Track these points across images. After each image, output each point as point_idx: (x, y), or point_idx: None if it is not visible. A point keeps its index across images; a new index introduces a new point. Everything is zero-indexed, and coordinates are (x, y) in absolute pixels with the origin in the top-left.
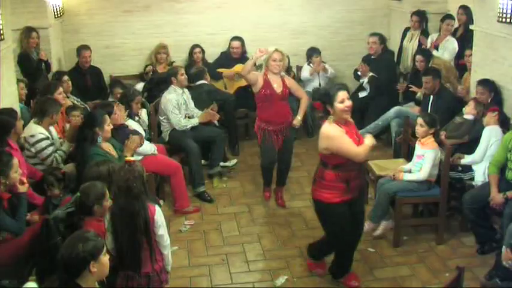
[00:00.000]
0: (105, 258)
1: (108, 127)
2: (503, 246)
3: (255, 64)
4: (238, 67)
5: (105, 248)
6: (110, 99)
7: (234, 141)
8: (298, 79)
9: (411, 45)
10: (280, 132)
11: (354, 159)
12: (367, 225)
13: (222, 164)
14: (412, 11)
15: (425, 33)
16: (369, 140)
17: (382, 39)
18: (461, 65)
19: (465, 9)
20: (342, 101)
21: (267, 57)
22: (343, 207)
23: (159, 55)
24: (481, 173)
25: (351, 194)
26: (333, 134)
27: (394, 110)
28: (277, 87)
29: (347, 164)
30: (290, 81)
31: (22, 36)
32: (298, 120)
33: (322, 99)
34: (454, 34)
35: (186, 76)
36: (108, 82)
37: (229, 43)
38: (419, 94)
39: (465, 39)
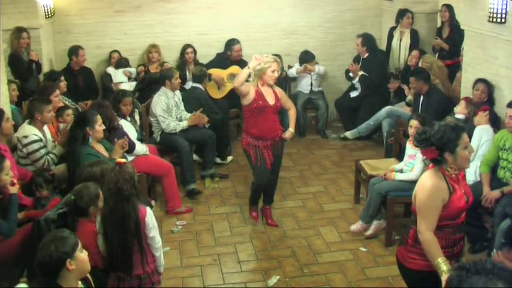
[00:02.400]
0: (82, 255)
1: (99, 127)
2: (494, 250)
3: (249, 75)
4: (233, 69)
5: (80, 245)
6: (110, 69)
7: (226, 142)
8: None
9: (404, 43)
10: (271, 148)
11: (418, 230)
12: (358, 225)
13: (219, 161)
14: (403, 9)
15: (414, 32)
16: (444, 268)
17: (365, 41)
18: (447, 65)
19: (448, 7)
20: (467, 145)
21: (264, 67)
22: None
23: (150, 54)
24: (472, 172)
25: (454, 260)
26: (432, 188)
27: (385, 110)
28: (270, 99)
29: (451, 226)
30: (280, 92)
31: (12, 37)
32: (290, 132)
33: (439, 145)
34: (439, 34)
35: (180, 80)
36: (100, 82)
37: (231, 47)
38: (409, 97)
39: (452, 39)
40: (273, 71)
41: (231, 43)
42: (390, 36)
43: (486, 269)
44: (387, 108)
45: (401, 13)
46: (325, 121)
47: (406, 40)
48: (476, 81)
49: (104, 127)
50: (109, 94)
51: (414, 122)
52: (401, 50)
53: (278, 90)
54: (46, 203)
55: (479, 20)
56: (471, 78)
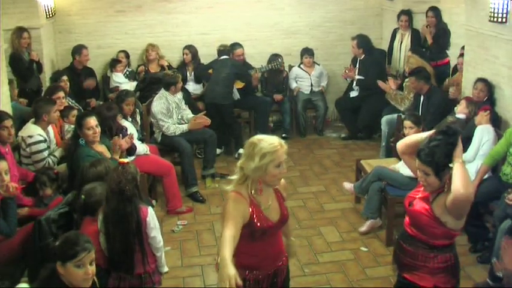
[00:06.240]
0: (92, 268)
1: (87, 131)
2: (494, 258)
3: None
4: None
5: (94, 256)
6: (118, 69)
7: (227, 139)
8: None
9: (404, 45)
10: (272, 279)
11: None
12: (350, 185)
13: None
14: (400, 11)
15: (416, 33)
16: None
17: (361, 42)
18: (434, 67)
19: (434, 11)
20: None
21: (264, 163)
22: None
23: (148, 53)
24: (473, 172)
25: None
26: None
27: (385, 121)
28: (272, 210)
29: None
30: (285, 188)
31: (13, 37)
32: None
33: None
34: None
35: (182, 83)
36: (101, 82)
37: (232, 51)
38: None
39: (438, 42)
40: (279, 165)
41: (232, 48)
42: (393, 37)
43: None
44: (385, 118)
45: (398, 15)
46: (323, 121)
47: (406, 42)
48: (476, 81)
49: (99, 129)
50: (106, 94)
51: (408, 123)
52: (401, 52)
53: (282, 186)
54: (48, 202)
55: (480, 20)
56: (472, 78)
